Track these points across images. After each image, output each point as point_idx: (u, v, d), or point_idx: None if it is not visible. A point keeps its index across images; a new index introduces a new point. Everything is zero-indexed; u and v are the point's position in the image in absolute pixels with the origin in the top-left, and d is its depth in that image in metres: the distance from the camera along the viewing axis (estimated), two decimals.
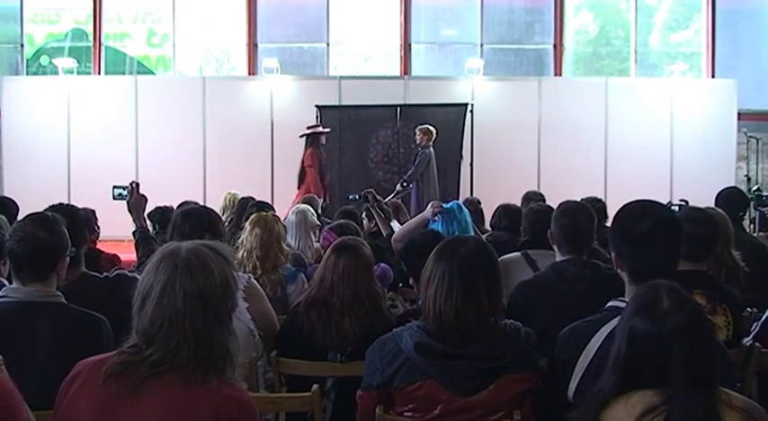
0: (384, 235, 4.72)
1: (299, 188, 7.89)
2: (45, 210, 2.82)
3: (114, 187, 3.62)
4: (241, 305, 2.78)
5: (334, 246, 2.86)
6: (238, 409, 1.62)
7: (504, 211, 4.48)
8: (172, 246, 1.66)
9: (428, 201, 6.89)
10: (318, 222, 4.86)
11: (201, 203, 4.80)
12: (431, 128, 8.24)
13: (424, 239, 3.05)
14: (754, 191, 8.40)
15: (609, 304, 2.02)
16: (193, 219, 2.86)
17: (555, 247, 2.84)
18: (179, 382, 1.58)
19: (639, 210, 2.00)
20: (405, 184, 8.17)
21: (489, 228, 5.78)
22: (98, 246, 4.19)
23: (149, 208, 5.13)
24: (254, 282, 2.97)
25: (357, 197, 5.22)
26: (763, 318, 2.91)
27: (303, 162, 7.93)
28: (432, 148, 8.29)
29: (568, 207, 2.86)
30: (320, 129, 8.18)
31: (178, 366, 1.58)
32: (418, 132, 8.21)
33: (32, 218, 2.32)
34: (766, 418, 1.57)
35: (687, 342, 1.50)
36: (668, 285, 1.61)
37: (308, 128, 8.17)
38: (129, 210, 3.55)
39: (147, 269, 1.64)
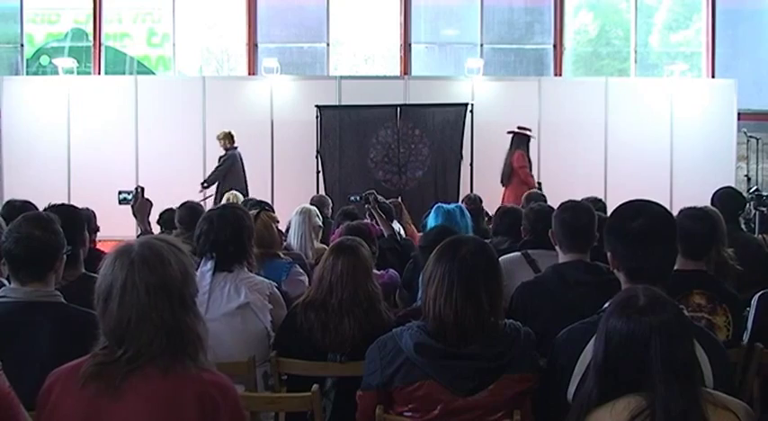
0: (386, 236, 4.72)
1: (504, 186, 8.08)
2: (45, 209, 2.83)
3: (119, 192, 3.64)
4: (264, 306, 2.87)
5: (333, 246, 2.86)
6: (221, 394, 1.63)
7: (505, 214, 4.46)
8: (123, 245, 1.68)
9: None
10: (321, 223, 4.86)
11: (201, 203, 4.81)
12: (226, 131, 8.48)
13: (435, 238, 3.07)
14: (753, 191, 8.39)
15: (606, 305, 2.02)
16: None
17: (557, 247, 2.83)
18: (158, 374, 1.59)
19: (633, 209, 2.01)
20: (204, 185, 8.37)
21: (490, 228, 5.79)
22: (98, 246, 4.19)
23: (160, 207, 5.15)
24: (277, 291, 3.02)
25: (358, 198, 5.22)
26: (752, 316, 2.90)
27: (511, 163, 8.03)
28: (237, 149, 8.51)
29: (568, 206, 2.87)
30: (528, 132, 8.25)
31: (154, 358, 1.59)
32: (218, 138, 8.53)
33: (28, 217, 2.32)
34: (752, 419, 1.58)
35: (664, 338, 1.52)
36: (646, 287, 1.64)
37: (519, 128, 8.25)
38: (134, 215, 3.56)
39: (103, 271, 1.65)
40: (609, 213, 2.19)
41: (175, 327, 1.61)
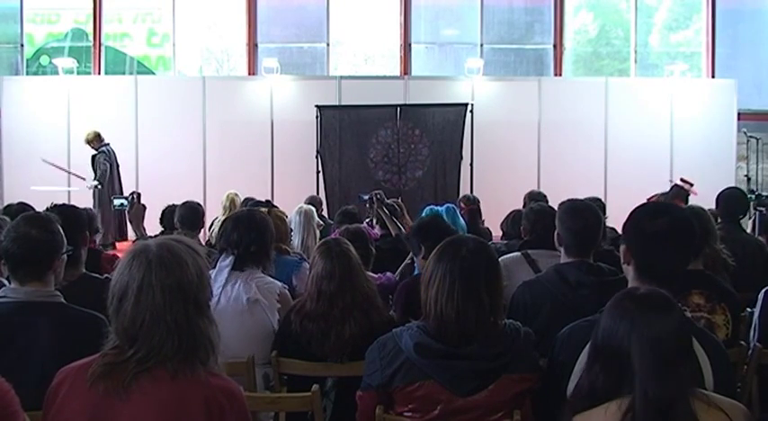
0: (393, 235, 4.72)
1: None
2: (47, 209, 2.83)
3: (115, 198, 3.68)
4: (273, 305, 2.91)
5: (323, 253, 2.81)
6: (228, 399, 1.63)
7: (515, 218, 4.54)
8: (141, 244, 1.68)
9: (110, 198, 7.03)
10: (322, 222, 4.88)
11: (201, 203, 4.81)
12: (93, 132, 8.43)
13: (428, 222, 3.24)
14: (750, 192, 8.37)
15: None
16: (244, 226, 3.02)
17: (561, 249, 2.79)
18: (167, 376, 1.59)
19: (657, 209, 2.05)
20: (99, 187, 8.25)
21: (488, 228, 5.81)
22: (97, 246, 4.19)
23: (160, 207, 5.16)
24: (287, 292, 3.06)
25: (366, 197, 5.23)
26: (755, 322, 2.91)
27: None
28: (108, 146, 8.44)
29: (575, 207, 2.79)
30: (688, 187, 7.94)
31: (164, 360, 1.59)
32: (86, 141, 8.44)
33: (26, 217, 2.32)
34: (748, 419, 1.58)
35: (649, 329, 1.53)
36: (646, 287, 1.68)
37: (682, 180, 8.04)
38: (130, 221, 3.58)
39: (119, 270, 1.64)
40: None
41: (188, 331, 1.61)
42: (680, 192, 8.00)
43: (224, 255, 2.97)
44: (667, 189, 7.78)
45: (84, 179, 8.42)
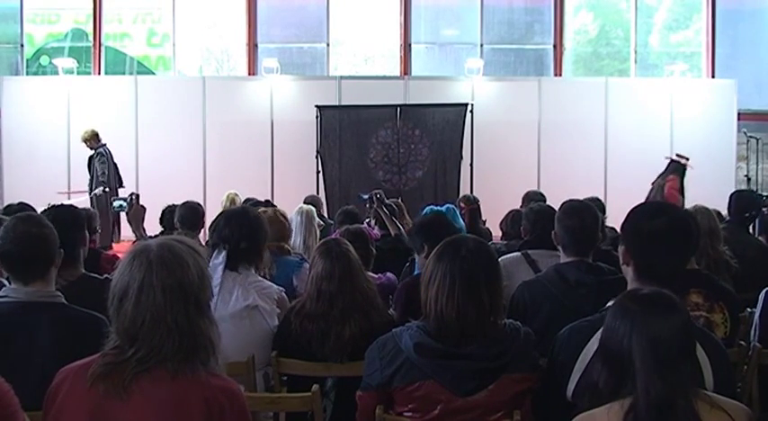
0: (393, 235, 4.71)
1: None
2: (46, 209, 2.84)
3: (114, 199, 3.70)
4: (273, 310, 2.88)
5: (322, 253, 2.81)
6: (228, 399, 1.63)
7: (515, 218, 4.55)
8: (141, 245, 1.68)
9: (109, 200, 6.93)
10: (322, 222, 4.88)
11: (201, 203, 4.81)
12: (90, 131, 8.37)
13: (431, 220, 3.28)
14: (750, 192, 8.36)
15: (609, 304, 2.02)
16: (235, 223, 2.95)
17: (560, 248, 2.80)
18: (167, 376, 1.59)
19: (655, 208, 2.05)
20: (106, 190, 8.17)
21: (488, 228, 5.82)
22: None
23: (160, 207, 5.16)
24: (284, 295, 3.03)
25: (365, 197, 5.22)
26: (755, 322, 2.92)
27: (664, 184, 7.86)
28: (106, 146, 8.39)
29: (573, 207, 2.81)
30: (684, 161, 7.98)
31: (164, 360, 1.59)
32: (84, 140, 8.38)
33: (21, 218, 2.32)
34: (750, 419, 1.58)
35: (650, 329, 1.53)
36: (651, 288, 1.68)
37: (678, 155, 8.04)
38: (129, 222, 3.58)
39: (119, 270, 1.64)
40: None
41: (189, 331, 1.61)
42: (678, 166, 7.99)
43: (216, 251, 2.90)
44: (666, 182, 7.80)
45: (93, 195, 8.36)
